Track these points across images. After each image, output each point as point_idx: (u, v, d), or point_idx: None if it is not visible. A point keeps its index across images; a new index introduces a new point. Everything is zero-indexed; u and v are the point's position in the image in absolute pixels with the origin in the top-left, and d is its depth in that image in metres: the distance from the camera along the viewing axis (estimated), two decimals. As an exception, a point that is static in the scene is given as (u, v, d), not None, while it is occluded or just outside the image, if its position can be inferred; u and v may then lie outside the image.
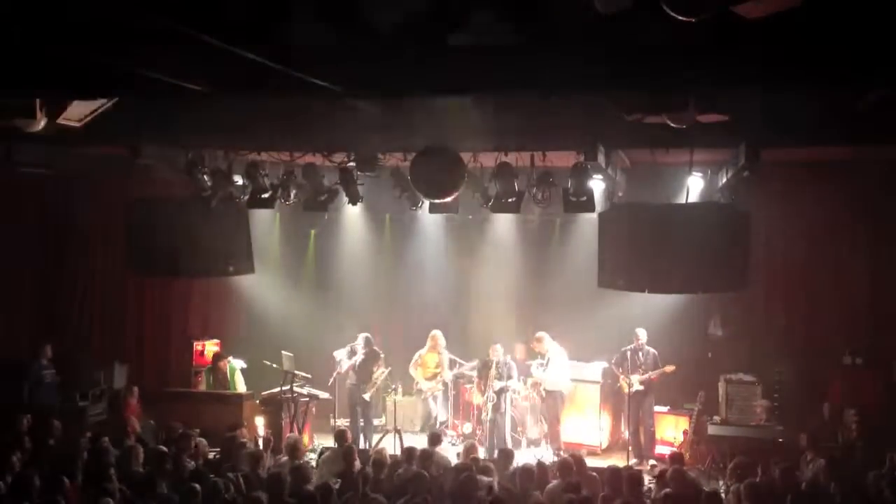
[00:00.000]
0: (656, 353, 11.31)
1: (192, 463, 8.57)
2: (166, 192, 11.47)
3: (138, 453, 8.55)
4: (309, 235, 13.71)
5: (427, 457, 8.52)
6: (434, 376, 12.07)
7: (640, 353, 11.30)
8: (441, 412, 12.42)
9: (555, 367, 11.53)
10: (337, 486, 7.71)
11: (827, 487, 7.83)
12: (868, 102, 7.51)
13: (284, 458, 9.11)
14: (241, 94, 7.33)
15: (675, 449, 10.43)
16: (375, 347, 11.84)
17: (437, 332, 12.11)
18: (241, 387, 11.88)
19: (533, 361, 11.84)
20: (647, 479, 9.05)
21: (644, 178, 11.25)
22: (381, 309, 13.29)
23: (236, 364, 12.15)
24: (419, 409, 12.32)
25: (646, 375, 11.18)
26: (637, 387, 11.18)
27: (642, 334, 11.35)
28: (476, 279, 13.14)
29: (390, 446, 10.69)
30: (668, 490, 7.45)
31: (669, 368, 11.17)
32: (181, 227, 10.74)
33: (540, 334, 11.65)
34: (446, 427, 12.27)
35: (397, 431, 11.10)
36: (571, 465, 8.16)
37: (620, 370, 11.31)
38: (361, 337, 11.81)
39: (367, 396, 11.66)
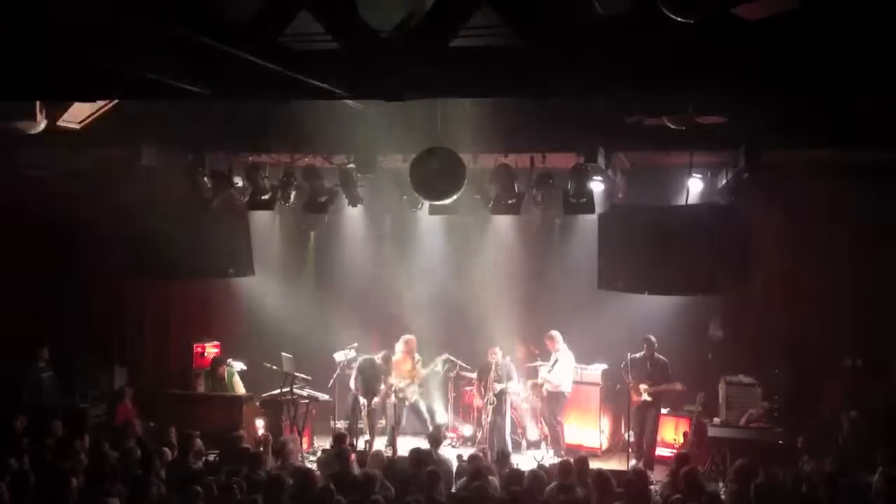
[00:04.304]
0: (666, 360, 11.16)
1: (199, 464, 8.59)
2: (166, 194, 11.48)
3: (138, 455, 8.56)
4: (309, 237, 13.72)
5: (431, 459, 8.56)
6: (413, 379, 11.87)
7: (650, 363, 11.14)
8: (441, 414, 12.40)
9: (561, 368, 11.51)
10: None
11: (825, 489, 7.83)
12: (867, 104, 7.53)
13: (279, 462, 9.11)
14: (242, 97, 7.34)
15: (675, 450, 10.42)
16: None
17: (411, 336, 12.01)
18: (239, 390, 11.88)
19: (538, 363, 11.83)
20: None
21: (644, 180, 11.26)
22: (380, 311, 13.28)
23: (235, 367, 12.14)
24: (404, 415, 11.93)
25: (655, 388, 11.02)
26: (645, 397, 11.06)
27: (654, 342, 11.18)
28: (476, 281, 13.13)
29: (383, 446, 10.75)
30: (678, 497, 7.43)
31: (680, 387, 11.06)
32: (181, 230, 10.75)
33: (553, 333, 11.62)
34: (446, 429, 12.26)
35: (394, 427, 11.07)
36: (571, 468, 8.16)
37: (630, 378, 11.08)
38: (382, 353, 11.78)
39: (373, 404, 11.67)
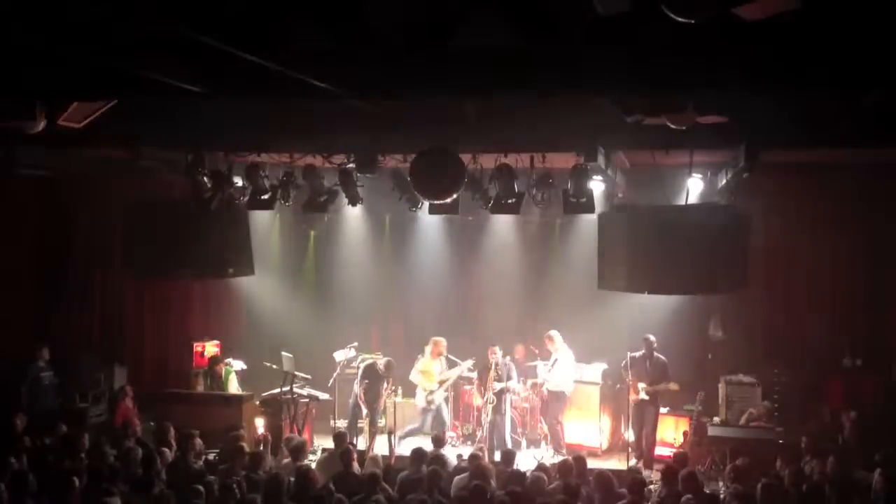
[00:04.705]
0: (665, 360, 11.15)
1: (199, 464, 8.60)
2: (166, 194, 11.49)
3: (137, 455, 8.56)
4: (309, 237, 13.72)
5: (435, 459, 8.58)
6: (442, 382, 11.77)
7: (649, 362, 11.15)
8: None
9: (561, 368, 11.51)
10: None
11: (826, 489, 7.83)
12: (867, 104, 7.52)
13: (286, 460, 9.12)
14: (242, 96, 7.34)
15: (675, 450, 10.42)
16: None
17: (440, 339, 11.94)
18: (231, 389, 11.87)
19: (537, 363, 11.84)
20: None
21: (644, 180, 11.26)
22: (380, 310, 13.29)
23: (235, 366, 12.14)
24: (428, 419, 11.74)
25: (651, 388, 11.04)
26: (643, 396, 11.09)
27: (653, 341, 11.19)
28: (476, 280, 13.14)
29: (382, 448, 10.74)
30: (689, 496, 7.41)
31: (674, 387, 11.04)
32: (181, 229, 10.73)
33: (552, 333, 11.58)
34: (447, 428, 12.24)
35: (390, 434, 11.07)
36: (571, 467, 8.16)
37: (629, 376, 11.12)
38: (384, 361, 11.68)
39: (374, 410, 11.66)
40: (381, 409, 11.80)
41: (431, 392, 11.67)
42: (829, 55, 5.20)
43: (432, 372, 11.78)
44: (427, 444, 9.51)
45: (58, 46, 5.31)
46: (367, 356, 12.15)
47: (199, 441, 9.15)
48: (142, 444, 9.15)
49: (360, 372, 11.68)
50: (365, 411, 11.49)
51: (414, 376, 11.84)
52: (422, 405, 11.69)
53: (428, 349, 11.88)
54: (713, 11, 4.57)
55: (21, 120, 7.81)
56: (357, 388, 11.62)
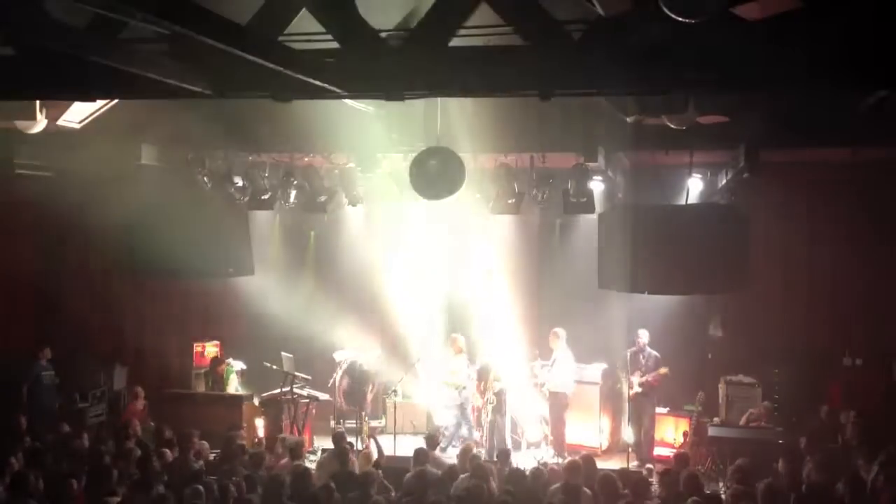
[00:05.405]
0: (658, 355, 11.21)
1: (200, 463, 8.61)
2: (166, 194, 11.48)
3: (137, 455, 8.56)
4: (309, 236, 13.71)
5: (429, 459, 8.59)
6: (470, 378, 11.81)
7: (642, 356, 11.23)
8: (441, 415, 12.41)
9: (561, 368, 11.51)
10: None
11: (825, 488, 7.83)
12: (867, 104, 7.53)
13: (284, 460, 9.12)
14: (242, 97, 7.34)
15: (675, 450, 10.42)
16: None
17: (457, 335, 11.96)
18: (231, 390, 11.88)
19: (536, 363, 11.84)
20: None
21: (644, 180, 11.28)
22: (380, 311, 13.27)
23: (235, 366, 12.14)
24: (469, 413, 11.80)
25: (643, 378, 11.13)
26: (636, 388, 11.15)
27: (644, 336, 11.28)
28: (476, 281, 13.11)
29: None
30: (695, 499, 7.39)
31: (663, 370, 11.10)
32: (181, 229, 10.74)
33: (557, 330, 11.59)
34: (445, 429, 12.24)
35: (371, 436, 11.09)
36: (580, 467, 8.15)
37: (624, 372, 11.24)
38: (368, 355, 11.67)
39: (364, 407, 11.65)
40: (377, 410, 11.77)
41: (464, 388, 11.68)
42: (829, 55, 5.19)
43: (458, 369, 11.79)
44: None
45: (57, 46, 5.30)
46: (353, 359, 12.13)
47: (204, 443, 9.14)
48: (141, 445, 9.15)
49: (342, 370, 11.66)
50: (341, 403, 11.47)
51: (444, 377, 11.84)
52: (457, 402, 11.69)
53: (450, 350, 11.90)
54: (713, 11, 4.57)
55: (21, 120, 7.82)
56: (337, 382, 11.58)
